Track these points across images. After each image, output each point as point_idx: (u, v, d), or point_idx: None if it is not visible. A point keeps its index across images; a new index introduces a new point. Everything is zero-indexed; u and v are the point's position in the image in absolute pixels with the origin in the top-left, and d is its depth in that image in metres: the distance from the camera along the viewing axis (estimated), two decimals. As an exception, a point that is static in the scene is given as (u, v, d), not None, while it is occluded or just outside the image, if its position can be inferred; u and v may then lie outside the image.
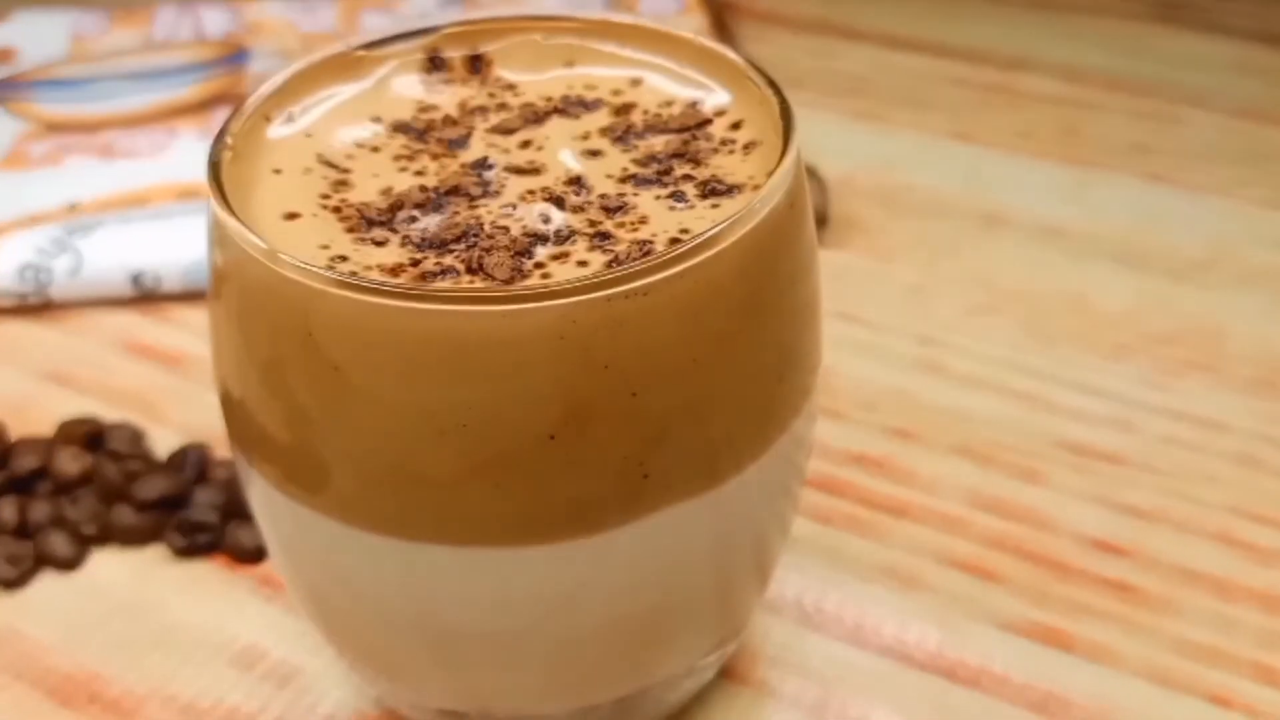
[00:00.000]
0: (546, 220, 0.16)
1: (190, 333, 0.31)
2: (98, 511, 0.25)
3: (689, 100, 0.19)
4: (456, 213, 0.17)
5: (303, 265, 0.15)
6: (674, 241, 0.16)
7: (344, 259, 0.16)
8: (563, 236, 0.16)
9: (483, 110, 0.19)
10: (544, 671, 0.18)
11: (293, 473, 0.16)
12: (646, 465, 0.15)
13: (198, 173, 0.34)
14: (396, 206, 0.17)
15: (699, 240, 0.15)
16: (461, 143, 0.18)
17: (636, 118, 0.19)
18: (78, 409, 0.29)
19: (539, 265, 0.16)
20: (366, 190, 0.17)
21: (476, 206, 0.17)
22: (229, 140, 0.17)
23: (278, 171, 0.17)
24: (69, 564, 0.25)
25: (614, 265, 0.15)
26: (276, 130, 0.18)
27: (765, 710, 0.22)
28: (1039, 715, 0.21)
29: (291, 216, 0.16)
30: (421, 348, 0.14)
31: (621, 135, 0.18)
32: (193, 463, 0.26)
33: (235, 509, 0.25)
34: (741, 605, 0.19)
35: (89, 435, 0.27)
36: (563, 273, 0.15)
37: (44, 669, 0.23)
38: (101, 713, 0.22)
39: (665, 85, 0.19)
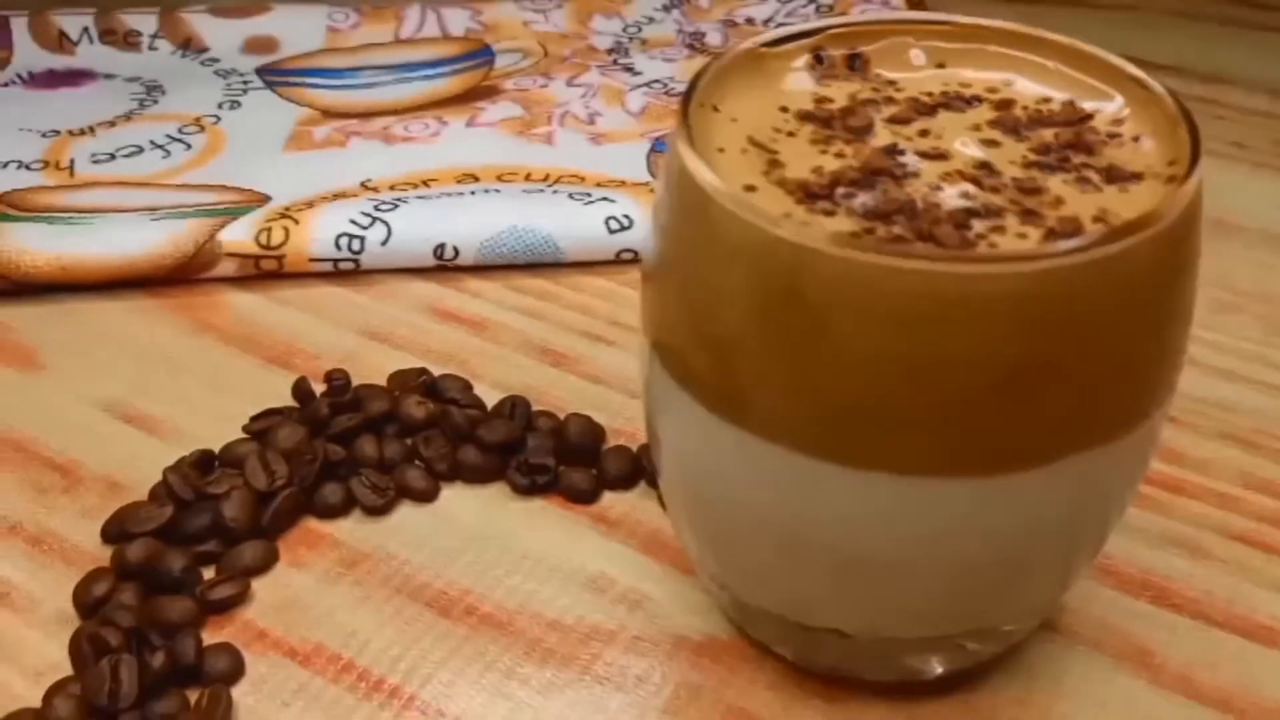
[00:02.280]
0: (971, 198, 0.19)
1: (487, 302, 0.34)
2: (446, 451, 0.28)
3: (1065, 98, 0.21)
4: (887, 190, 0.19)
5: (800, 228, 0.17)
6: (1097, 220, 0.18)
7: (806, 225, 0.18)
8: (992, 212, 0.18)
9: (873, 103, 0.21)
10: (931, 598, 0.20)
11: (741, 404, 0.19)
12: (1073, 416, 0.18)
13: (473, 158, 0.39)
14: (834, 183, 0.19)
15: (1145, 216, 0.17)
16: (867, 131, 0.21)
17: (1018, 112, 0.21)
18: (399, 364, 0.32)
19: (980, 236, 0.18)
20: (799, 169, 0.20)
21: (903, 185, 0.19)
22: (690, 122, 0.19)
23: (721, 150, 0.20)
24: (425, 496, 0.28)
25: (1051, 237, 0.18)
26: (711, 115, 0.20)
27: (1077, 657, 0.24)
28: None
29: (749, 189, 0.19)
30: (903, 301, 0.17)
31: (1012, 128, 0.20)
32: (521, 412, 0.29)
33: (566, 455, 0.28)
34: (1089, 558, 0.22)
35: (425, 384, 0.30)
36: (1006, 243, 0.18)
37: (418, 585, 0.26)
38: (479, 624, 0.25)
39: (1038, 85, 0.22)
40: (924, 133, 0.21)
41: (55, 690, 0.23)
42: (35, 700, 0.23)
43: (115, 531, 0.27)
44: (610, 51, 0.47)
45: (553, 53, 0.47)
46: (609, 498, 0.28)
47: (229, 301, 0.35)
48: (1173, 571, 0.26)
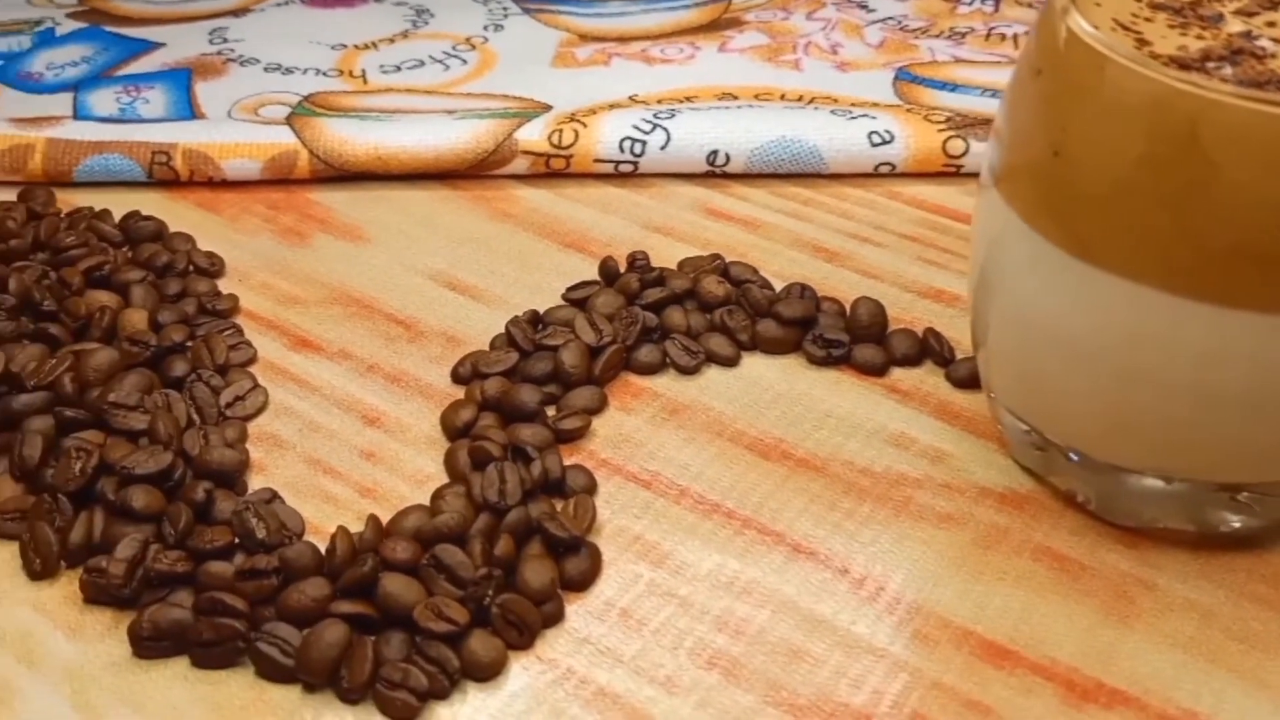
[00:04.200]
0: (1334, 75, 0.21)
1: (755, 205, 0.37)
2: (746, 324, 0.31)
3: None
4: (1253, 65, 0.21)
5: (1204, 81, 0.20)
6: None
7: (1208, 79, 0.20)
8: (1358, 85, 0.20)
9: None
10: (1262, 438, 0.22)
11: (1115, 248, 0.21)
12: None
13: (729, 79, 0.42)
14: (1204, 58, 0.21)
15: None
16: (1218, 19, 0.23)
17: (1352, 9, 0.23)
18: (683, 253, 0.35)
19: (1356, 104, 0.20)
20: (1165, 46, 0.22)
21: (1266, 62, 0.21)
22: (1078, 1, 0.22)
23: (1096, 27, 0.22)
24: (730, 362, 0.31)
25: None
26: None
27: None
28: None
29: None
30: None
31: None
32: (809, 294, 0.32)
33: (854, 333, 0.31)
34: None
35: (719, 268, 0.33)
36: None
37: (736, 431, 0.29)
38: (796, 466, 0.28)
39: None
40: (1271, 24, 0.23)
41: (441, 492, 0.27)
42: (419, 501, 0.27)
43: (467, 373, 0.30)
44: (842, -9, 0.49)
45: (785, -10, 0.49)
46: (897, 373, 0.30)
47: (520, 196, 0.38)
48: None
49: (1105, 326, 0.22)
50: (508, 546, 0.25)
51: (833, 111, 0.39)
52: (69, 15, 0.48)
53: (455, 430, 0.29)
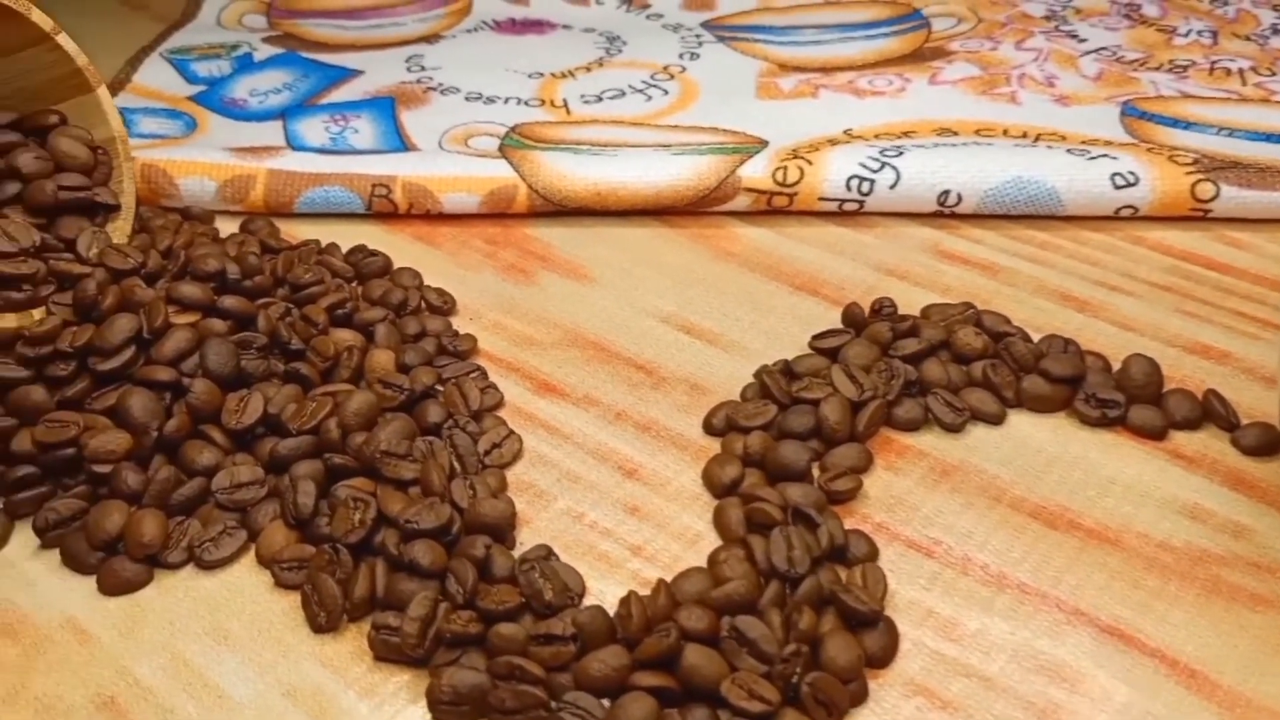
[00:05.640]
0: None
1: (990, 248, 0.36)
2: (1011, 380, 0.30)
3: None
4: None
5: None
6: None
7: None
8: None
9: None
10: None
11: None
12: None
13: (945, 113, 0.41)
14: None
15: None
16: None
17: None
18: (920, 298, 0.34)
19: None
20: None
21: None
22: None
23: None
24: (995, 420, 0.29)
25: None
26: None
27: None
28: None
29: None
30: None
31: None
32: (1073, 348, 0.31)
33: (1127, 393, 0.29)
34: None
35: (973, 317, 0.32)
36: None
37: (1015, 497, 0.27)
38: (1086, 537, 0.26)
39: None
40: None
41: (721, 555, 0.26)
42: (692, 561, 0.26)
43: (722, 425, 0.29)
44: (1047, 19, 0.47)
45: (986, 18, 0.48)
46: (1177, 437, 0.29)
47: (740, 234, 0.37)
48: None
49: None
50: (811, 621, 0.24)
51: (1069, 151, 0.37)
52: (264, 40, 0.49)
53: (722, 488, 0.28)
